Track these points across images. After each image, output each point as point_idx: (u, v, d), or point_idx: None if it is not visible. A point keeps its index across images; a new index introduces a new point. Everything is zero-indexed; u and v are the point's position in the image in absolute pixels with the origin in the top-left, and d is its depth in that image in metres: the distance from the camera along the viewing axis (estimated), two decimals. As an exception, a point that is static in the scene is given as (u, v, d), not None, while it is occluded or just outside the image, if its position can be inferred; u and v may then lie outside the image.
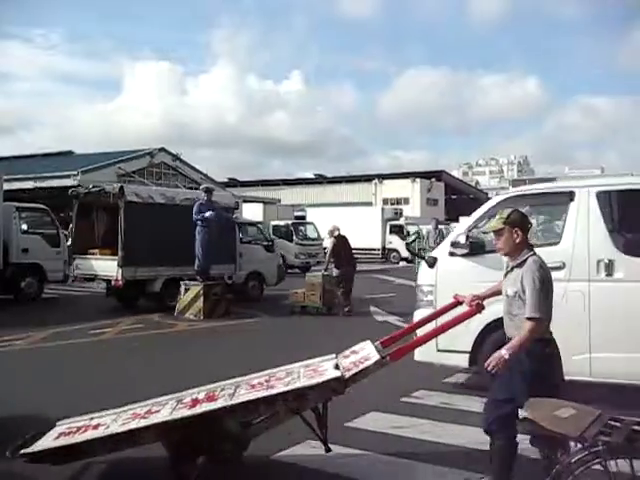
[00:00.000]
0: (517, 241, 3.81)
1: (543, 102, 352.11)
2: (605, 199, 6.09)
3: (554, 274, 4.07)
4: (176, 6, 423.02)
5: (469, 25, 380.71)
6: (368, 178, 59.23)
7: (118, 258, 12.78)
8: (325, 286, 13.39)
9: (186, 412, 4.03)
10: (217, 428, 4.02)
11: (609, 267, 5.87)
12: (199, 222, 12.68)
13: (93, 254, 13.95)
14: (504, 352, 3.61)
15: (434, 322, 4.75)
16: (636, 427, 2.77)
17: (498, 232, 3.86)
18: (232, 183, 61.87)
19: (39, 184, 32.29)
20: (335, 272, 13.49)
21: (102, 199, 13.70)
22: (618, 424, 2.83)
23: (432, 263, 6.73)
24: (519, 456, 3.76)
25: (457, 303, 4.41)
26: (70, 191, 14.50)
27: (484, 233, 3.82)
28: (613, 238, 5.95)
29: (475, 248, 6.45)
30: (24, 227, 15.39)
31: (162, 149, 41.39)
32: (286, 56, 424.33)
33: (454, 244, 6.56)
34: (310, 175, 70.91)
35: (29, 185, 31.59)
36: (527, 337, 3.63)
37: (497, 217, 3.92)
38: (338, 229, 13.71)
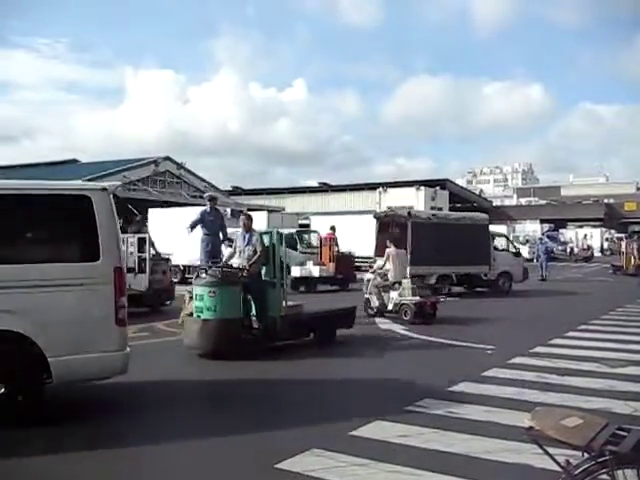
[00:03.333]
0: None
1: (547, 110, 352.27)
2: None
3: None
4: (177, 15, 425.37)
5: (472, 33, 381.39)
6: (372, 186, 59.17)
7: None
8: None
9: None
10: None
11: None
12: (202, 229, 12.69)
13: None
14: None
15: None
16: (643, 436, 2.74)
17: None
18: (236, 191, 61.90)
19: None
20: None
21: (395, 218, 18.56)
22: (625, 433, 2.80)
23: None
24: (523, 465, 3.72)
25: None
26: (374, 214, 20.09)
27: None
28: None
29: None
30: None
31: (167, 158, 41.61)
32: (289, 64, 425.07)
33: None
34: (314, 183, 70.88)
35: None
36: None
37: None
38: None
